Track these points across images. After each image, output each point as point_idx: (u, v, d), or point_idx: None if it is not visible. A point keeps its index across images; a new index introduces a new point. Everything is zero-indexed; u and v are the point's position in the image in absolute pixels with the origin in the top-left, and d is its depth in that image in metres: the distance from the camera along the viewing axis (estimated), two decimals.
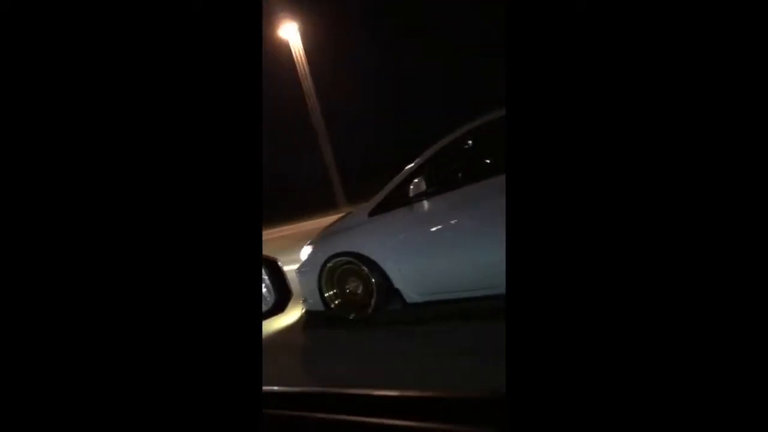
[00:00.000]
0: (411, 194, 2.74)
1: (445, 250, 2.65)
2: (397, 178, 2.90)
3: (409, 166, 2.88)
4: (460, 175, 2.79)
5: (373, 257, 2.90)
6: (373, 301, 2.93)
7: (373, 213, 3.00)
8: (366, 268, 2.92)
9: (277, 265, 0.92)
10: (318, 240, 3.30)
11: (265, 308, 0.92)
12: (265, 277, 0.92)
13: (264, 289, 0.93)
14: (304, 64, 13.56)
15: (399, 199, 2.84)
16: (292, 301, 0.99)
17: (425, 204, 2.73)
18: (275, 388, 0.84)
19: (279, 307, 0.90)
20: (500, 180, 2.54)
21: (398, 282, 2.86)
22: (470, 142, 2.94)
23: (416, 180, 2.72)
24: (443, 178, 2.75)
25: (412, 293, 2.84)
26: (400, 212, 2.84)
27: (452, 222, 2.62)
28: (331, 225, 3.45)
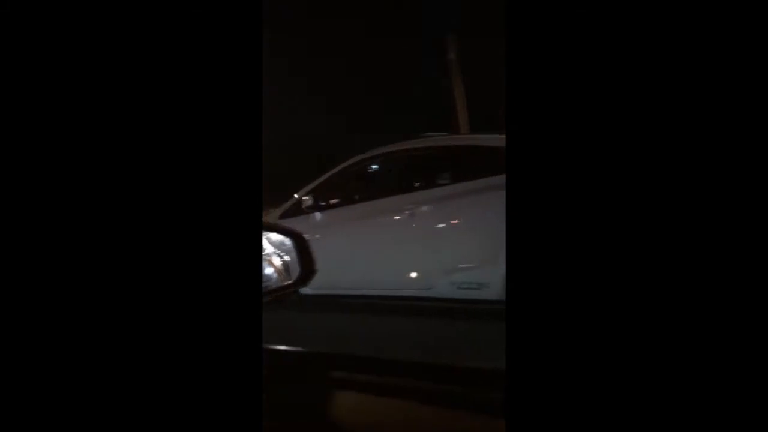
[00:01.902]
0: (303, 206, 3.41)
1: (325, 255, 3.33)
2: (301, 192, 3.55)
3: (311, 184, 3.54)
4: (339, 197, 3.48)
5: None
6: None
7: (282, 216, 3.64)
8: None
9: (304, 240, 0.90)
10: None
11: (289, 281, 0.91)
12: (292, 249, 0.90)
13: (289, 261, 0.92)
14: None
15: (299, 209, 3.51)
16: None
17: (316, 215, 3.40)
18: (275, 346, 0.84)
19: (302, 281, 0.89)
20: (370, 204, 3.22)
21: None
22: (375, 166, 3.62)
23: (306, 197, 3.40)
24: (329, 197, 3.44)
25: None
26: (298, 219, 3.50)
27: (332, 233, 3.31)
28: None
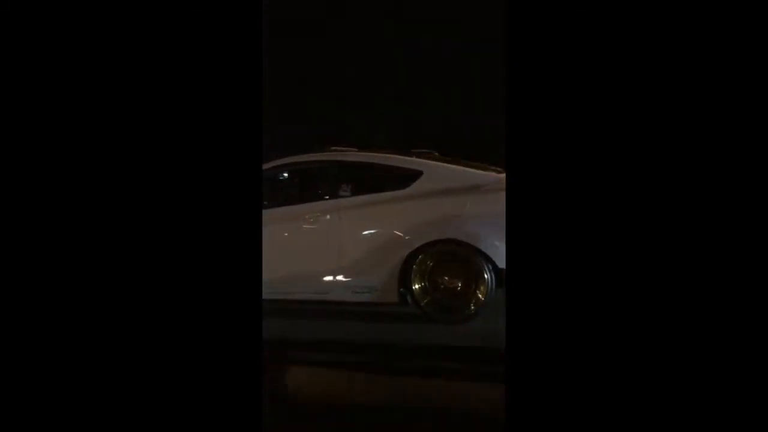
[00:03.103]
0: None
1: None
2: None
3: None
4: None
5: None
6: None
7: None
8: None
9: None
10: None
11: None
12: None
13: None
14: None
15: None
16: None
17: None
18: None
19: None
20: (277, 211, 3.37)
21: None
22: (285, 174, 3.77)
23: None
24: None
25: None
26: None
27: None
28: None
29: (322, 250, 3.17)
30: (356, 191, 3.22)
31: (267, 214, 3.40)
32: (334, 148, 3.58)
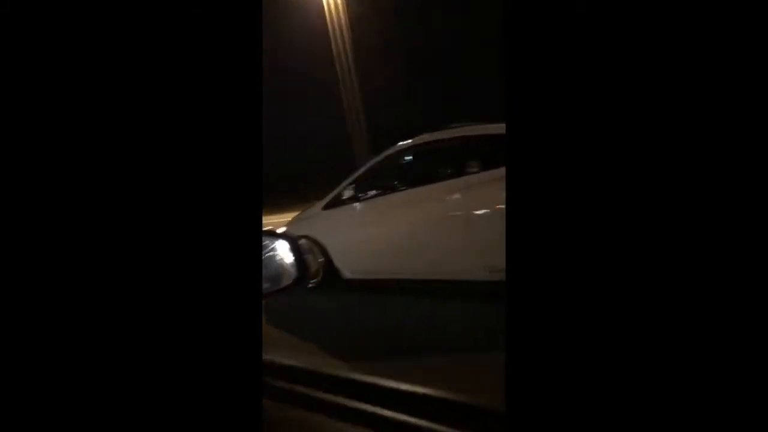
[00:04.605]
0: (343, 197, 3.66)
1: (364, 243, 3.58)
2: (343, 184, 3.80)
3: (350, 177, 3.78)
4: (376, 188, 3.70)
5: (321, 240, 3.84)
6: (319, 276, 3.89)
7: (325, 207, 3.92)
8: (317, 249, 3.87)
9: (298, 244, 0.95)
10: (287, 224, 4.27)
11: (287, 282, 0.96)
12: (290, 253, 0.95)
13: (289, 264, 0.97)
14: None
15: (340, 200, 3.77)
16: None
17: (355, 206, 3.64)
18: (276, 359, 0.90)
19: (301, 281, 0.93)
20: (404, 194, 3.42)
21: (336, 261, 3.80)
22: (407, 158, 3.80)
23: (347, 189, 3.64)
24: (367, 189, 3.67)
25: (345, 271, 3.78)
26: (340, 209, 3.76)
27: (370, 222, 3.54)
28: (299, 213, 4.40)
29: (454, 230, 3.12)
30: (484, 167, 3.11)
31: (396, 198, 3.47)
32: (453, 124, 3.49)
